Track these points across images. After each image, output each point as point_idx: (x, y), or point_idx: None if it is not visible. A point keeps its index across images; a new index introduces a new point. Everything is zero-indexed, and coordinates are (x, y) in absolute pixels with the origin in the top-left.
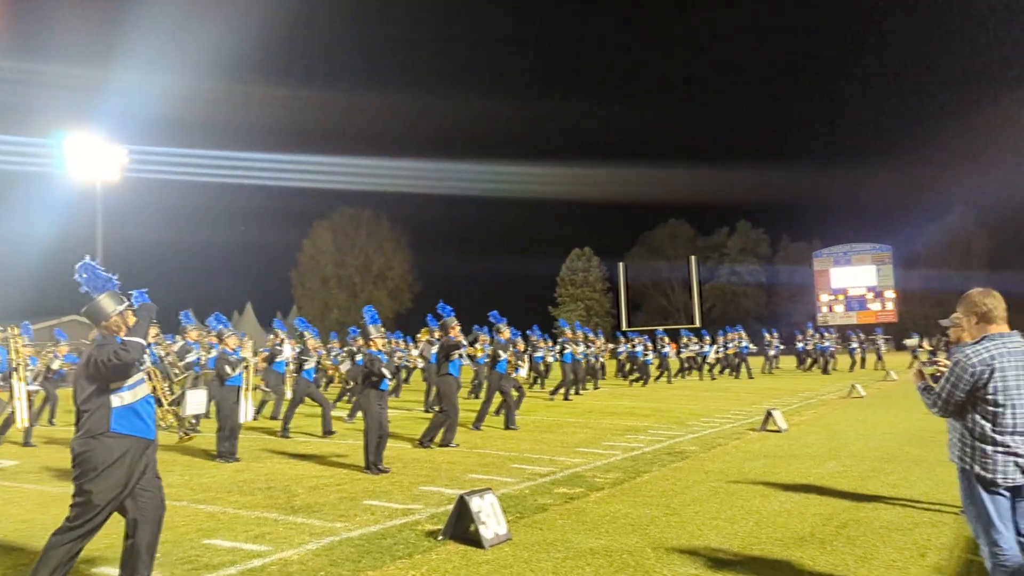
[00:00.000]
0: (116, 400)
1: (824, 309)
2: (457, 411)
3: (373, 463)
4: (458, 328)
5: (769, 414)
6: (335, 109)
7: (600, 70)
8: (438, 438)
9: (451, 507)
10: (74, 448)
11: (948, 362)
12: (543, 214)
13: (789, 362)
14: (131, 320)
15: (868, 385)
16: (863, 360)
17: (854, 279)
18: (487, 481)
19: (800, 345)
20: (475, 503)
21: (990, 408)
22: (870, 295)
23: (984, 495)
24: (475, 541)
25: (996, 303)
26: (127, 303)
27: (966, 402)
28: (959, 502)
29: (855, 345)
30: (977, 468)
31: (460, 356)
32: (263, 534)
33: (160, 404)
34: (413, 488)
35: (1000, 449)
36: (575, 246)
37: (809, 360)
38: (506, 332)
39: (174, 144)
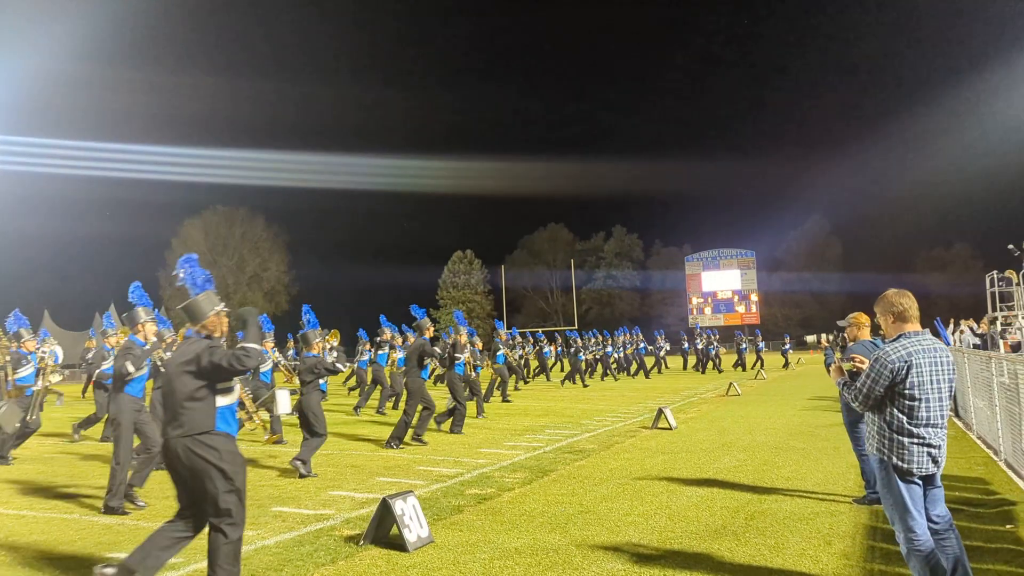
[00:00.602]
0: (221, 400)
1: (695, 311)
2: (434, 405)
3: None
4: (432, 330)
5: (661, 412)
6: (209, 97)
7: (487, 66)
8: (419, 435)
9: (365, 511)
10: (192, 448)
11: (865, 360)
12: (426, 217)
13: (674, 361)
14: (225, 321)
15: (743, 383)
16: (742, 360)
17: (722, 283)
18: (396, 484)
19: (698, 344)
20: (398, 506)
21: (907, 402)
22: (736, 298)
23: (901, 484)
24: (399, 545)
25: (910, 303)
26: (223, 304)
27: (885, 397)
28: (851, 492)
29: (744, 345)
30: (895, 459)
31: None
32: None
33: (243, 406)
34: (322, 493)
35: (916, 441)
36: (457, 249)
37: (700, 359)
38: (464, 333)
39: (29, 132)
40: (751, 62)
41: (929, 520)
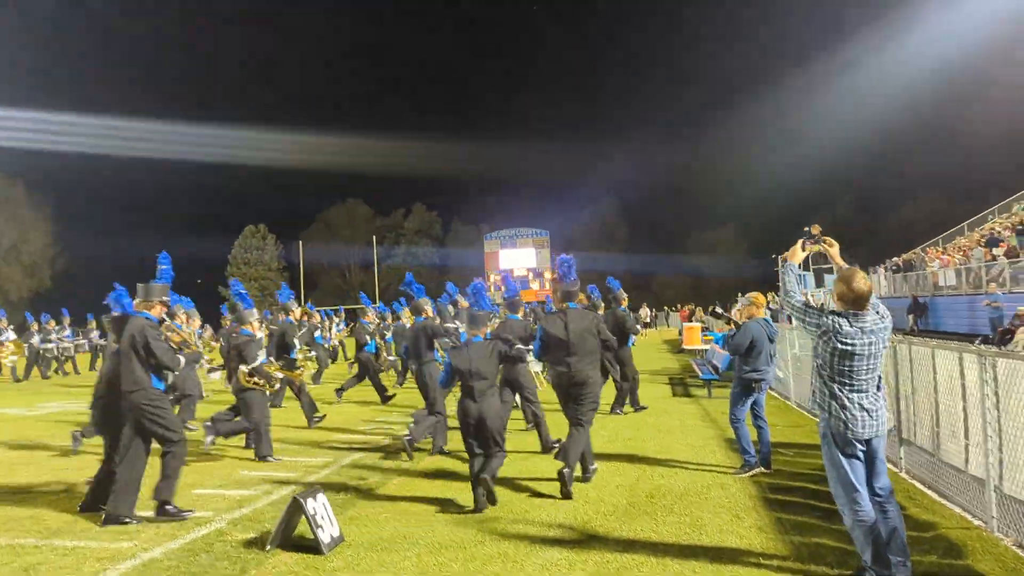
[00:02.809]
0: None
1: (493, 288)
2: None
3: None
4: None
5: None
6: None
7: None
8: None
9: (247, 510)
10: None
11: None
12: (212, 187)
13: None
14: None
15: None
16: None
17: (519, 261)
18: (265, 479)
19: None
20: (310, 505)
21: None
22: (531, 275)
23: (843, 458)
24: (311, 547)
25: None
26: None
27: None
28: (721, 462)
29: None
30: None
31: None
32: (31, 566)
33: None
34: (184, 492)
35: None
36: (249, 222)
37: None
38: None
39: None
40: (547, 47)
41: (872, 493)
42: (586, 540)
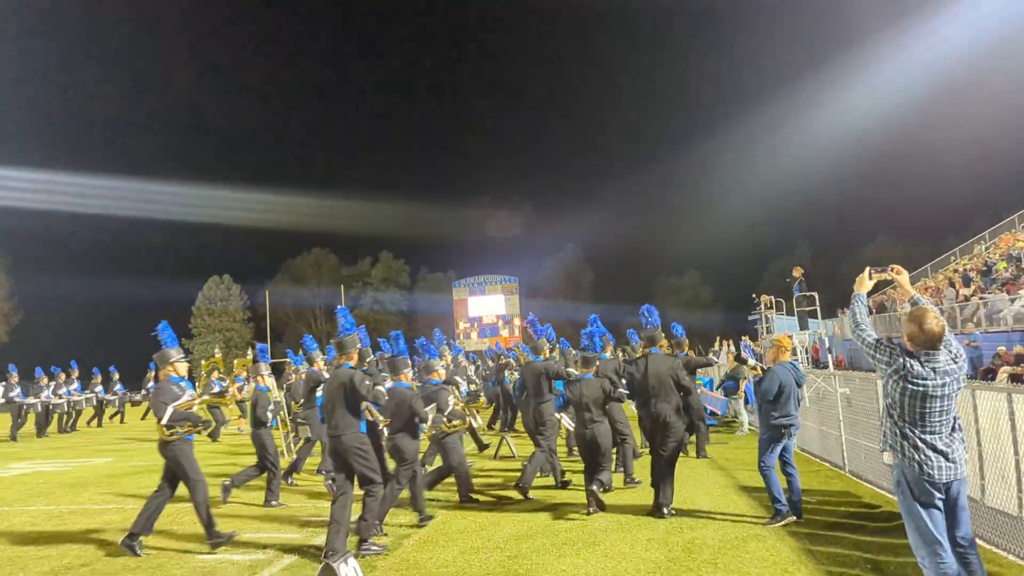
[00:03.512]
0: None
1: (462, 336)
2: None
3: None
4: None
5: (503, 439)
6: None
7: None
8: None
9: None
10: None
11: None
12: (177, 237)
13: None
14: None
15: None
16: None
17: (487, 308)
18: (277, 540)
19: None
20: (343, 571)
21: None
22: (500, 322)
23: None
24: None
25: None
26: None
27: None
28: (744, 511)
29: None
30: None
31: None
32: None
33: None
34: (187, 561)
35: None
36: (213, 273)
37: None
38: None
39: None
40: (506, 100)
41: (954, 543)
42: None
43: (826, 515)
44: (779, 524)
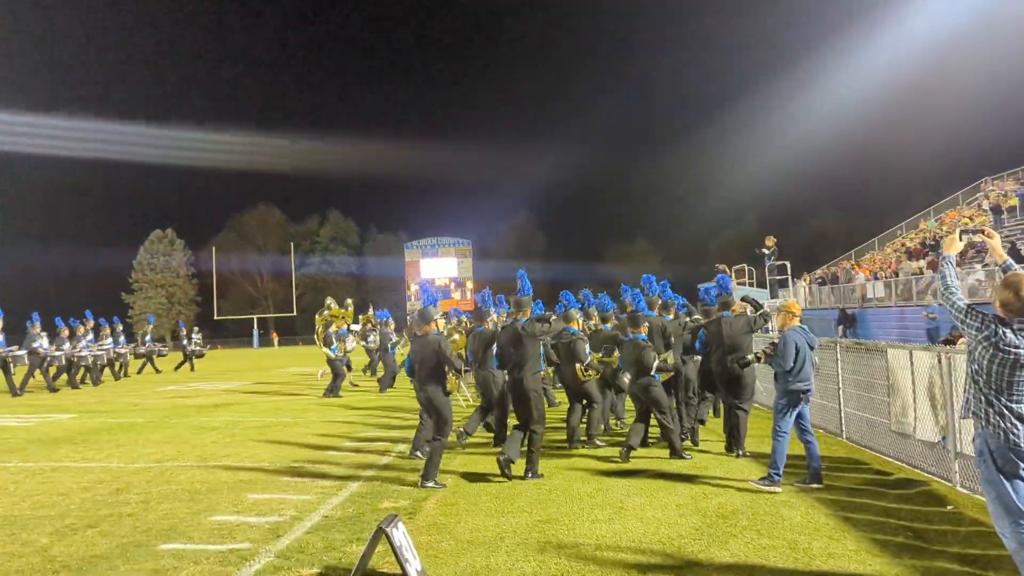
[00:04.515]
0: None
1: (414, 298)
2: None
3: None
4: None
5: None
6: None
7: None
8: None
9: (289, 540)
10: None
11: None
12: (114, 189)
13: None
14: None
15: None
16: None
17: (440, 270)
18: (277, 501)
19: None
20: (396, 537)
21: None
22: (452, 285)
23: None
24: None
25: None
26: None
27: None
28: (747, 475)
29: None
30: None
31: None
32: None
33: None
34: (201, 519)
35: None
36: (155, 228)
37: None
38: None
39: None
40: (462, 56)
41: None
42: (689, 567)
43: (844, 481)
44: (766, 488)
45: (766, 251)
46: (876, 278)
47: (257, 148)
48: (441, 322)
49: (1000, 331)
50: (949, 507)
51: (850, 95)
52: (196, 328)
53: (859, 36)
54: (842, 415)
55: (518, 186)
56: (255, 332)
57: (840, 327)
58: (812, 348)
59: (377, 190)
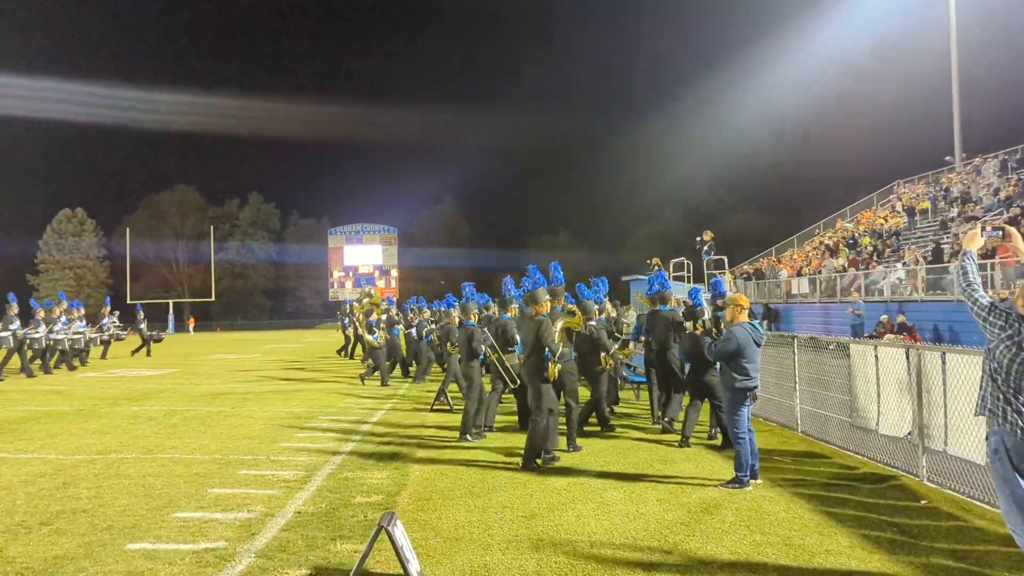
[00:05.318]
0: None
1: (336, 285)
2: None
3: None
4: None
5: (442, 391)
6: None
7: None
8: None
9: (267, 538)
10: None
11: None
12: (17, 165)
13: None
14: None
15: None
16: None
17: (365, 257)
18: (242, 496)
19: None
20: (397, 536)
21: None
22: (377, 272)
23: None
24: None
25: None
26: None
27: None
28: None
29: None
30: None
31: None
32: None
33: None
34: (164, 516)
35: None
36: (64, 206)
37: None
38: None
39: None
40: (392, 41)
41: None
42: (695, 566)
43: (814, 476)
44: (734, 488)
45: (704, 245)
46: (800, 275)
47: (176, 111)
48: (548, 304)
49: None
50: (923, 501)
51: (770, 97)
52: (142, 315)
53: (782, 41)
54: (797, 410)
55: (443, 173)
56: (171, 318)
57: (764, 322)
58: (758, 345)
59: (300, 174)
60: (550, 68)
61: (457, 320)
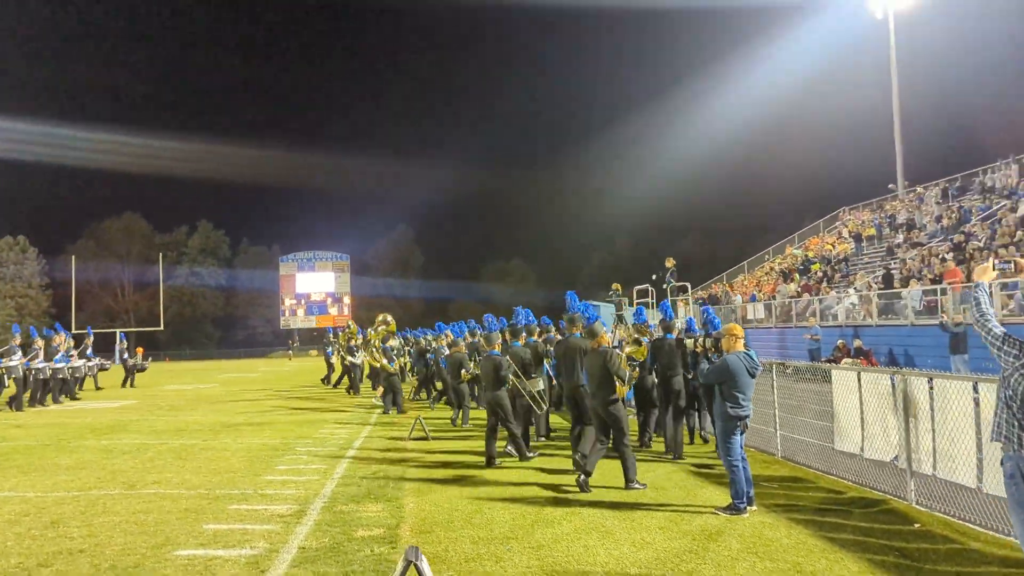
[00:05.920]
0: None
1: (287, 313)
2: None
3: None
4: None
5: (419, 419)
6: None
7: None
8: None
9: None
10: None
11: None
12: None
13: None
14: None
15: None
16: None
17: (316, 285)
18: (239, 532)
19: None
20: (426, 570)
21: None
22: (329, 300)
23: None
24: None
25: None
26: None
27: None
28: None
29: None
30: None
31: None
32: None
33: None
34: (162, 554)
35: None
36: (5, 235)
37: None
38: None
39: None
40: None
41: None
42: None
43: (805, 501)
44: (732, 515)
45: (666, 272)
46: (754, 300)
47: (121, 149)
48: (607, 337)
49: None
50: (916, 525)
51: (718, 125)
52: (125, 343)
53: (727, 69)
54: (777, 433)
55: (396, 202)
56: (117, 347)
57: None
58: (752, 376)
59: (249, 201)
60: (501, 98)
61: (459, 347)
